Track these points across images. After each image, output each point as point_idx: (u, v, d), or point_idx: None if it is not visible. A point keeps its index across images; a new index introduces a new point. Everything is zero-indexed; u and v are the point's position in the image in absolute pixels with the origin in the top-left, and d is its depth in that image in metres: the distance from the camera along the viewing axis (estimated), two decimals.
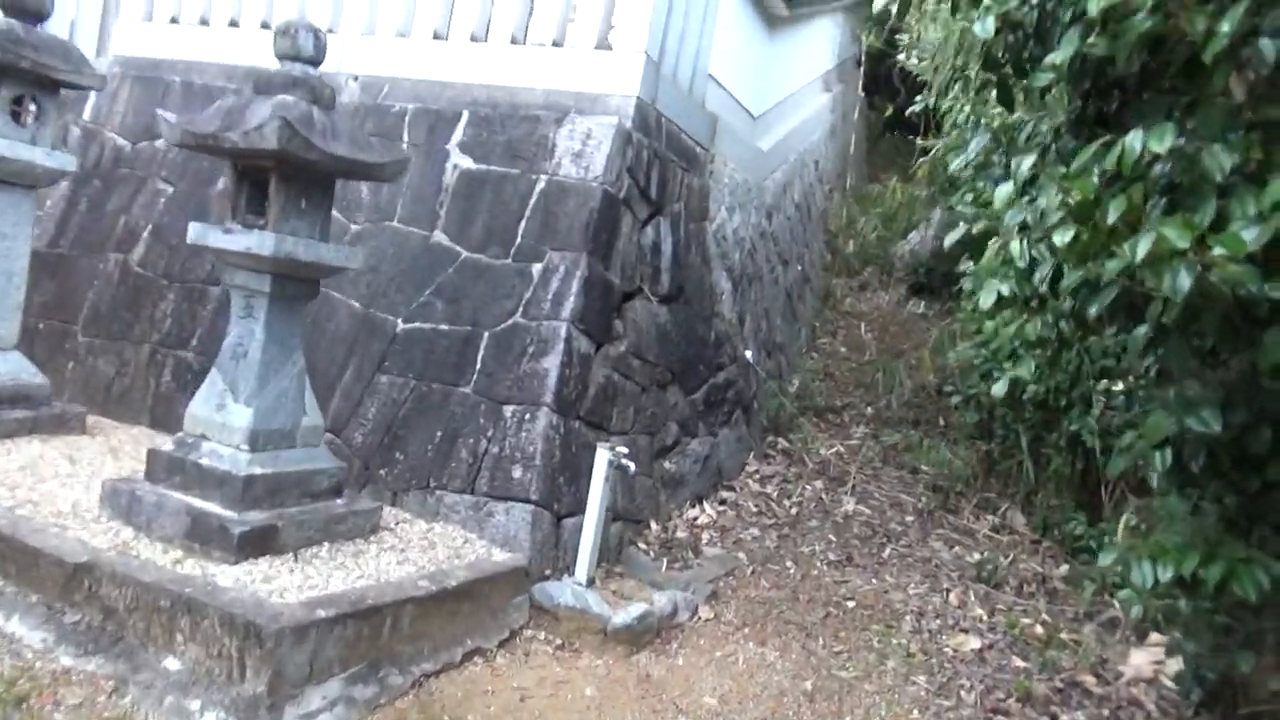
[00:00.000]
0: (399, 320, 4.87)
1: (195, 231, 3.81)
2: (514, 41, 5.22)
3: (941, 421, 6.83)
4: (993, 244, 4.92)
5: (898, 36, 9.99)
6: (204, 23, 6.21)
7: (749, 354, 6.28)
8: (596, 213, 4.66)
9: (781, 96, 8.03)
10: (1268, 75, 1.73)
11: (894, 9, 5.06)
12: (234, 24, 6.10)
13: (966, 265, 6.20)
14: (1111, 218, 1.62)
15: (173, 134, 3.77)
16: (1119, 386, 3.59)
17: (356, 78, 5.63)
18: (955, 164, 2.93)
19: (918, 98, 10.23)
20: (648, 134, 5.03)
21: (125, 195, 6.03)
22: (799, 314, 8.08)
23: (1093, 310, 1.83)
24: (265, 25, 6.00)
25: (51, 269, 6.02)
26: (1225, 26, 1.55)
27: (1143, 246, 1.53)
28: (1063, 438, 5.29)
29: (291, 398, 3.89)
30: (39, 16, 4.74)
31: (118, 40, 6.52)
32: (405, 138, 5.28)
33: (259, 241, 3.62)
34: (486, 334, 4.65)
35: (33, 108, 4.73)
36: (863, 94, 12.47)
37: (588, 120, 4.81)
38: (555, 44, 5.11)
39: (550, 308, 4.58)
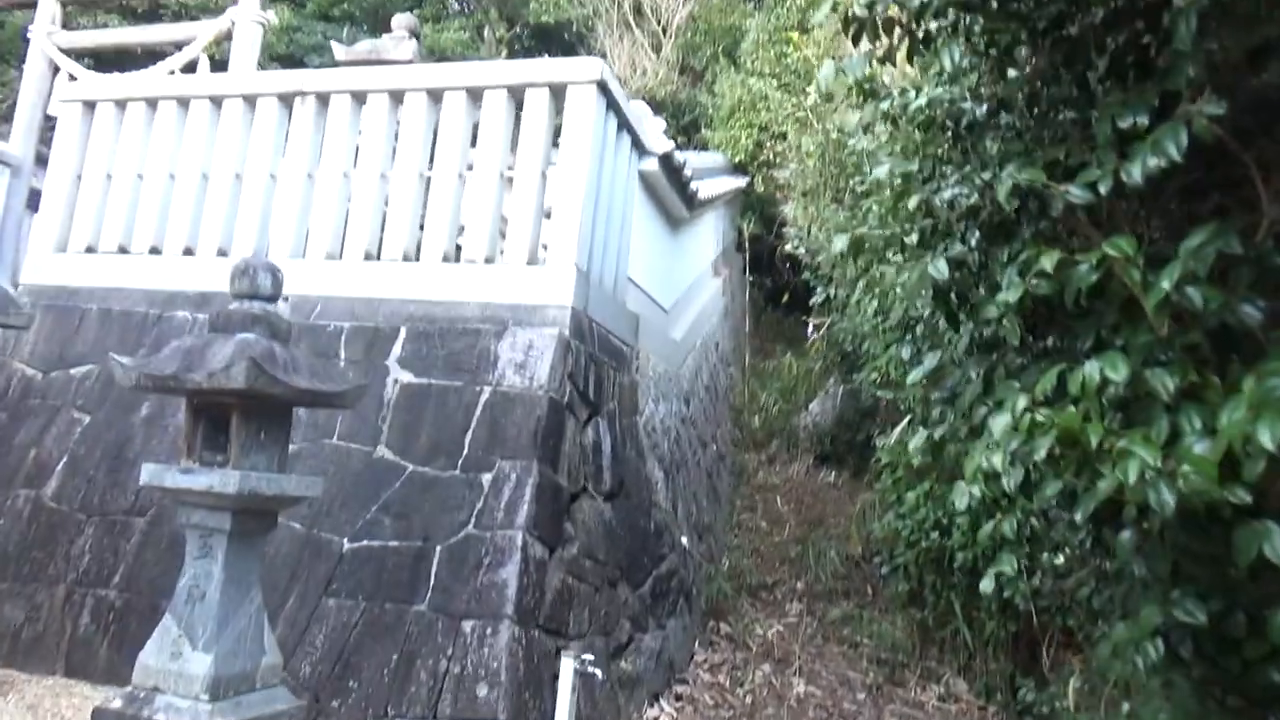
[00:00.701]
0: (345, 540, 4.80)
1: (150, 473, 3.74)
2: (446, 259, 5.47)
3: (869, 591, 7.02)
4: (904, 424, 5.30)
5: (783, 228, 10.89)
6: (123, 251, 6.25)
7: (684, 540, 6.39)
8: (544, 420, 4.80)
9: (684, 287, 8.53)
10: (1190, 312, 2.08)
11: (791, 211, 5.66)
12: (155, 251, 6.17)
13: (881, 439, 6.60)
14: (1094, 443, 1.89)
15: (128, 377, 3.75)
16: (1060, 559, 3.87)
17: (287, 298, 5.70)
18: (913, 376, 3.20)
19: (803, 275, 11.08)
20: (583, 340, 5.28)
21: (36, 427, 5.81)
22: (720, 492, 8.29)
23: (1079, 516, 2.07)
24: (189, 251, 6.09)
25: None
26: (1165, 283, 1.89)
27: (1133, 470, 1.79)
28: (993, 602, 5.54)
29: (251, 638, 3.76)
30: None
31: (29, 270, 6.45)
32: (342, 355, 5.36)
33: (222, 480, 3.58)
34: (439, 548, 4.63)
35: None
36: (746, 275, 13.28)
37: (528, 332, 5.03)
38: (488, 260, 5.39)
39: (504, 516, 4.62)
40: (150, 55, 9.33)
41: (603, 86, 5.39)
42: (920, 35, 2.89)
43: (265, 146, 6.02)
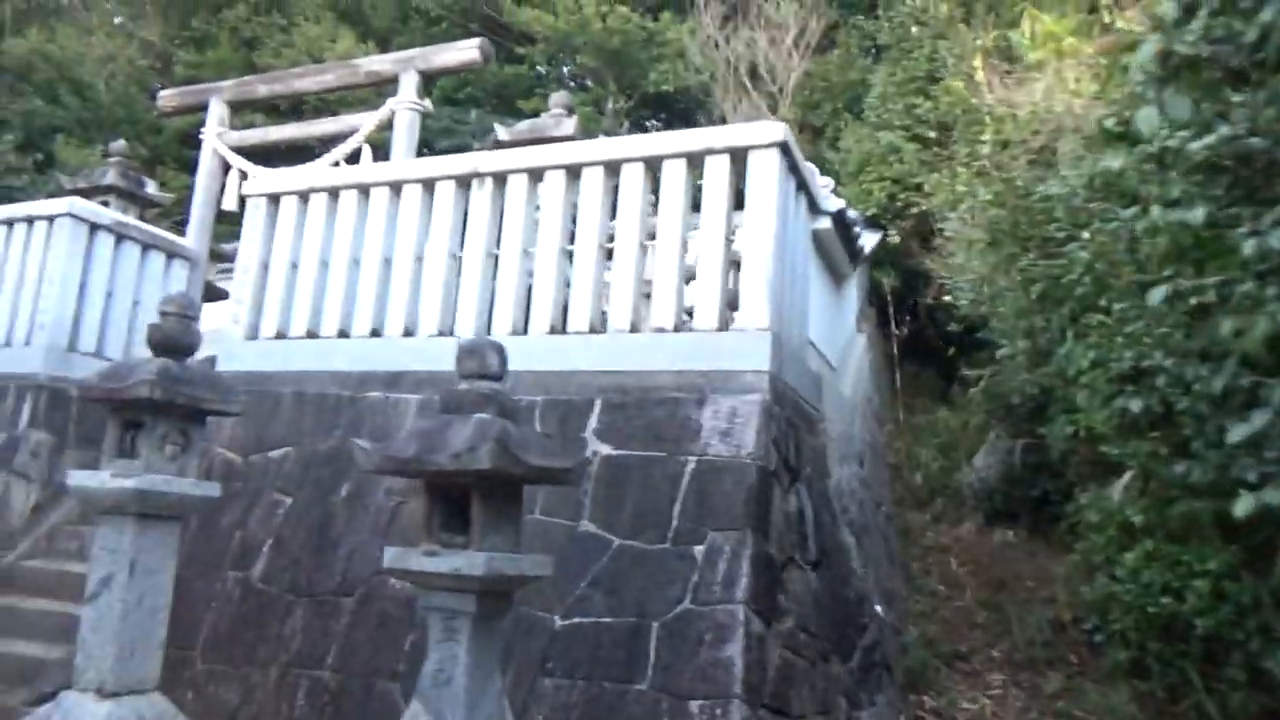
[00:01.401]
0: (556, 617, 4.73)
1: (392, 556, 3.75)
2: (633, 329, 5.45)
3: (1076, 659, 6.58)
4: (1125, 479, 4.97)
5: (924, 279, 10.63)
6: (311, 335, 6.46)
7: (879, 608, 6.12)
8: (754, 489, 4.67)
9: (843, 344, 8.36)
10: None
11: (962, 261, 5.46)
12: (343, 334, 6.35)
13: (1083, 496, 6.23)
14: None
15: (369, 461, 3.80)
16: None
17: None
18: (1236, 435, 2.92)
19: (949, 327, 10.75)
20: (781, 404, 5.15)
21: (240, 510, 5.99)
22: (894, 556, 7.97)
23: None
24: (375, 333, 6.25)
25: None
26: None
27: None
28: (1238, 671, 5.08)
29: None
30: (189, 351, 4.91)
31: (222, 359, 6.72)
32: (538, 429, 5.36)
33: (468, 562, 3.56)
34: (656, 624, 4.51)
35: (180, 439, 4.79)
36: (891, 328, 12.98)
37: (729, 399, 4.93)
38: (677, 328, 5.34)
39: (722, 591, 4.48)
40: (299, 149, 9.83)
41: (784, 148, 5.35)
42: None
43: (444, 228, 6.17)
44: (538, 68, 16.40)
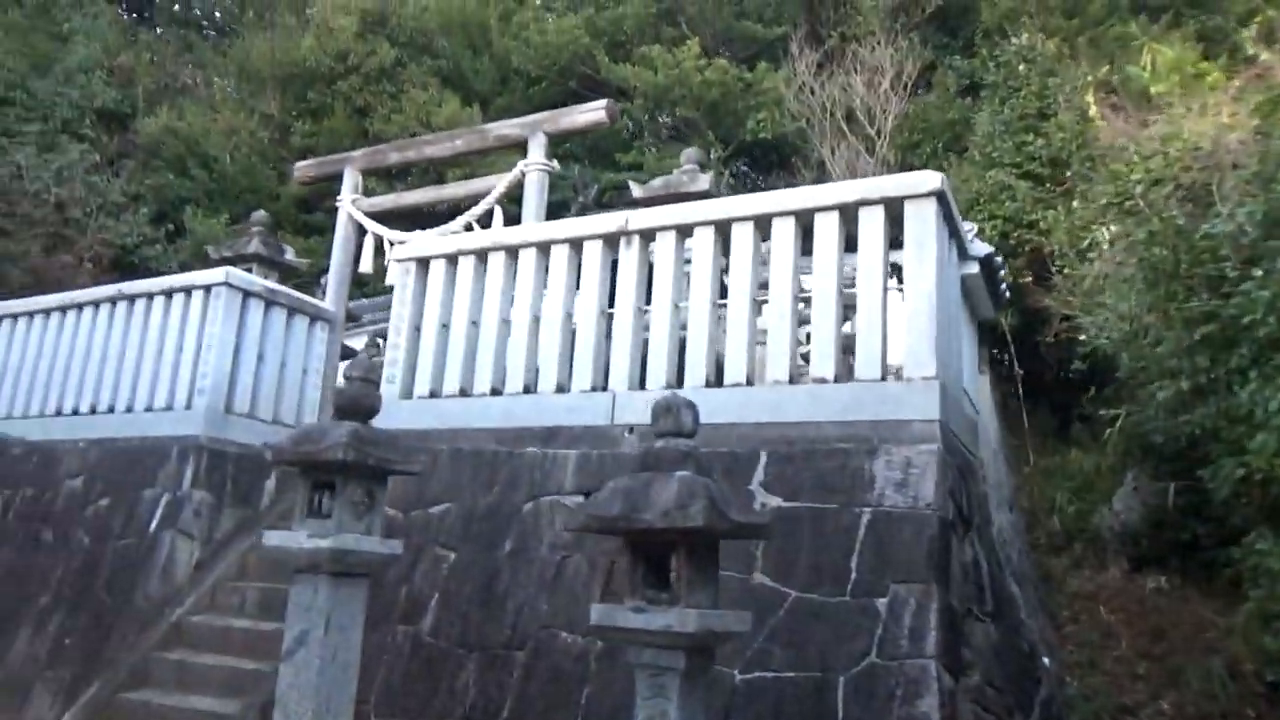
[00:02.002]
0: (736, 671, 4.73)
1: (600, 614, 3.82)
2: (793, 380, 5.49)
3: (1252, 712, 6.26)
4: None
5: (1042, 318, 10.43)
6: (464, 393, 6.65)
7: (1047, 661, 5.95)
8: (935, 540, 4.63)
9: (976, 388, 8.24)
10: None
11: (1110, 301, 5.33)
12: (496, 391, 6.52)
13: (1260, 542, 5.98)
14: None
15: (574, 519, 3.90)
16: None
17: (632, 429, 5.89)
18: None
19: (1073, 365, 10.49)
20: (951, 454, 5.10)
21: (404, 565, 6.14)
22: (1044, 604, 7.74)
23: None
24: (528, 389, 6.40)
25: None
26: None
27: None
28: None
29: None
30: (372, 414, 5.11)
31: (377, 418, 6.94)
32: None
33: (679, 619, 3.60)
34: (842, 679, 4.47)
35: (367, 499, 4.97)
36: (1014, 368, 12.71)
37: (903, 449, 4.91)
38: (837, 379, 5.36)
39: (910, 645, 4.42)
40: (424, 212, 10.18)
41: (940, 197, 5.36)
42: None
43: (594, 286, 6.32)
44: (633, 121, 16.74)
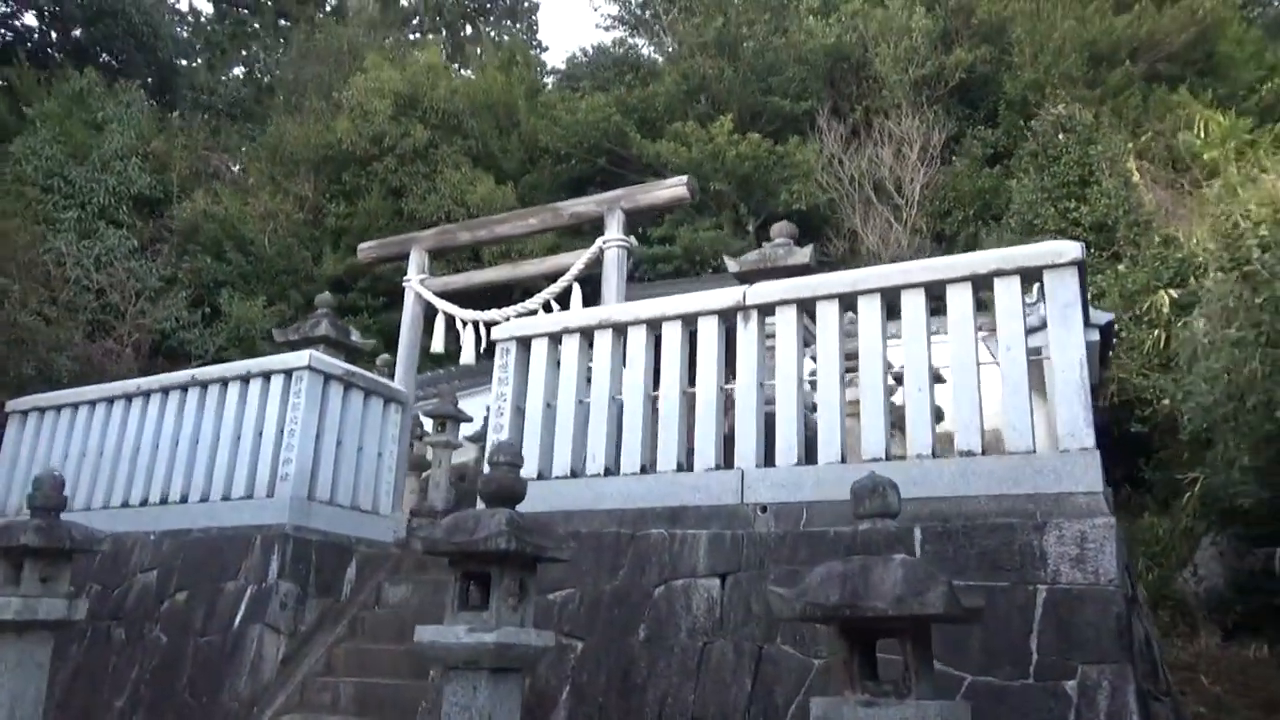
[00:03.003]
0: None
1: (823, 707, 3.65)
2: (935, 455, 5.39)
3: None
4: None
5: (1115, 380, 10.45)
6: (574, 474, 6.50)
7: None
8: (1123, 618, 4.49)
9: None
10: None
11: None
12: (610, 472, 6.38)
13: None
14: None
15: (789, 607, 3.74)
16: None
17: (765, 508, 5.75)
18: None
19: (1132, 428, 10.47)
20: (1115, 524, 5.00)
21: None
22: None
23: None
24: (645, 469, 6.27)
25: None
26: None
27: None
28: None
29: None
30: (519, 499, 4.96)
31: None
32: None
33: (918, 713, 3.44)
34: None
35: (518, 590, 4.78)
36: None
37: (1075, 524, 4.79)
38: (984, 453, 5.27)
39: None
40: (484, 293, 10.13)
41: (1080, 266, 5.36)
42: None
43: (711, 362, 6.24)
44: None
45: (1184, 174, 11.70)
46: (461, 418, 11.78)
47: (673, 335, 6.46)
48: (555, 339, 6.90)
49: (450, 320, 9.07)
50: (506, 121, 17.61)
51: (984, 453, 5.28)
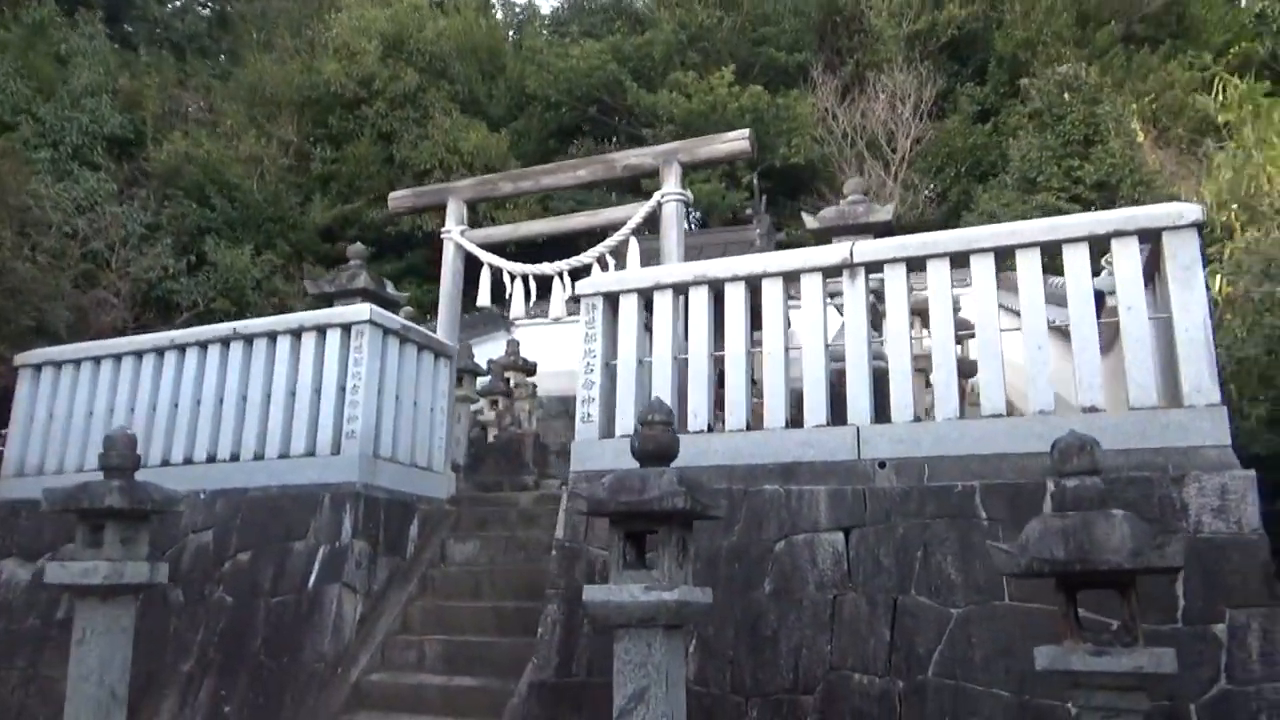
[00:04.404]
0: (1069, 705, 4.72)
1: (1049, 656, 3.77)
2: (1059, 411, 5.55)
3: None
4: None
5: None
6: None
7: None
8: (1267, 564, 4.73)
9: None
10: None
11: None
12: (710, 429, 6.39)
13: None
14: None
15: (1013, 562, 3.84)
16: None
17: (883, 463, 5.85)
18: None
19: None
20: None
21: None
22: None
23: None
24: (749, 425, 6.30)
25: (571, 700, 5.81)
26: None
27: None
28: None
29: None
30: (673, 458, 4.94)
31: (578, 458, 6.73)
32: (983, 514, 5.40)
33: (1153, 660, 3.60)
34: (1193, 706, 4.53)
35: (681, 547, 4.79)
36: None
37: (1214, 476, 5.00)
38: (1108, 408, 5.44)
39: (1263, 669, 4.50)
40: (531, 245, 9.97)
41: (1199, 228, 5.52)
42: None
43: (814, 318, 6.28)
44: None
45: (1174, 133, 12.10)
46: (479, 371, 11.60)
47: (773, 292, 6.46)
48: (646, 294, 6.83)
49: (498, 273, 8.88)
50: (490, 66, 17.11)
51: (1107, 409, 5.45)
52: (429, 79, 16.08)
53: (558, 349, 15.94)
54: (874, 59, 16.58)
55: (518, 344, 14.49)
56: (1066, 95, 13.40)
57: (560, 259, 8.52)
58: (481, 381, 12.76)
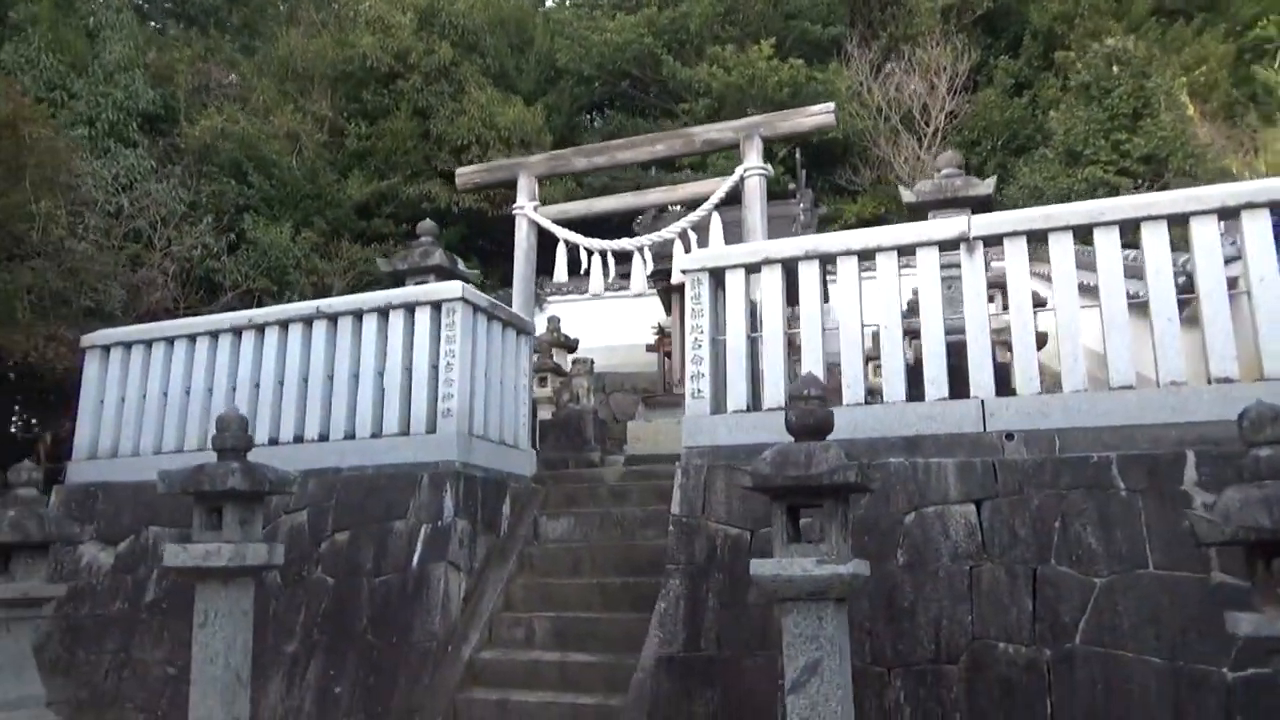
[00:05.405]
0: (1224, 669, 4.80)
1: (1252, 624, 3.81)
2: (1174, 383, 5.60)
3: None
4: None
5: None
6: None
7: None
8: None
9: None
10: None
11: None
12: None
13: None
14: None
15: (1216, 531, 3.87)
16: None
17: (1011, 435, 5.89)
18: None
19: None
20: None
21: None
22: None
23: None
24: (868, 399, 6.32)
25: (701, 674, 5.86)
26: None
27: None
28: None
29: None
30: (827, 432, 4.95)
31: (689, 435, 6.73)
32: (1121, 485, 5.45)
33: None
34: None
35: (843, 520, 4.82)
36: None
37: None
38: (1239, 379, 5.49)
39: None
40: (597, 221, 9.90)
41: (1275, 207, 5.59)
42: None
43: (933, 292, 6.30)
44: (696, 122, 16.65)
45: (1209, 107, 12.14)
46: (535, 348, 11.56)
47: (888, 266, 6.47)
48: (753, 270, 6.83)
49: (575, 249, 8.83)
50: (519, 39, 16.91)
51: (1238, 380, 5.50)
52: (461, 53, 15.87)
53: (595, 325, 15.99)
54: (908, 32, 16.54)
55: (558, 320, 14.46)
56: (1115, 68, 13.42)
57: (597, 237, 8.45)
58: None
